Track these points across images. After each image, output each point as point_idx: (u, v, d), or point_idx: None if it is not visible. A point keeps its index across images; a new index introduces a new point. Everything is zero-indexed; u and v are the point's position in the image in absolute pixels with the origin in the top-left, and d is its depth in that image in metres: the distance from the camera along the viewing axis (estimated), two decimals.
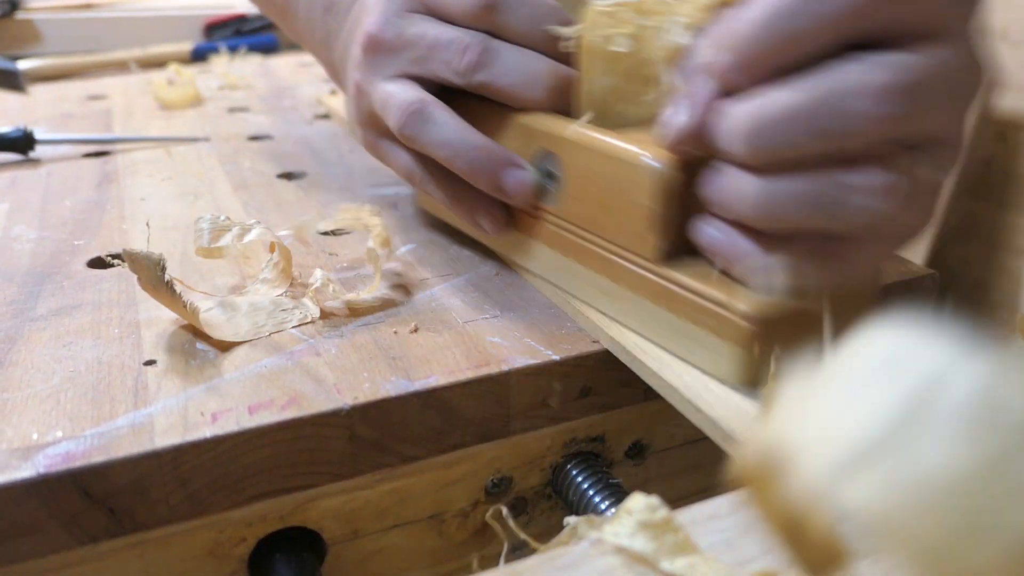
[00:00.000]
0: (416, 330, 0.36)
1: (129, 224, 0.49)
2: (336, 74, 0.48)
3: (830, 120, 0.25)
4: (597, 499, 0.34)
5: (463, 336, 0.36)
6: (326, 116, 0.77)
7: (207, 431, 0.29)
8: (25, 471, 0.27)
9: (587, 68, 0.34)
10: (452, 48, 0.37)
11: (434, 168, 0.39)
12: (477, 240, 0.44)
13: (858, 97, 0.25)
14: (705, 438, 0.29)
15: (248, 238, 0.39)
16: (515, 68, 0.36)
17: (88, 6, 1.16)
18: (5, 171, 0.60)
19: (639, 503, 0.24)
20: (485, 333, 0.36)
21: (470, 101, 0.38)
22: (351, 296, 0.39)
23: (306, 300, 0.38)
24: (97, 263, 0.44)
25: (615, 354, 0.34)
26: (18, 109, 0.81)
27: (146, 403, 0.31)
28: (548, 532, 0.30)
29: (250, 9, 1.20)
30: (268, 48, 1.14)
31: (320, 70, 1.01)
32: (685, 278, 0.31)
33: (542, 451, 0.36)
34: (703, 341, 0.31)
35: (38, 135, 0.63)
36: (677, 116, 0.29)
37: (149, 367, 0.33)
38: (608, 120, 0.35)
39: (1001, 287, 0.44)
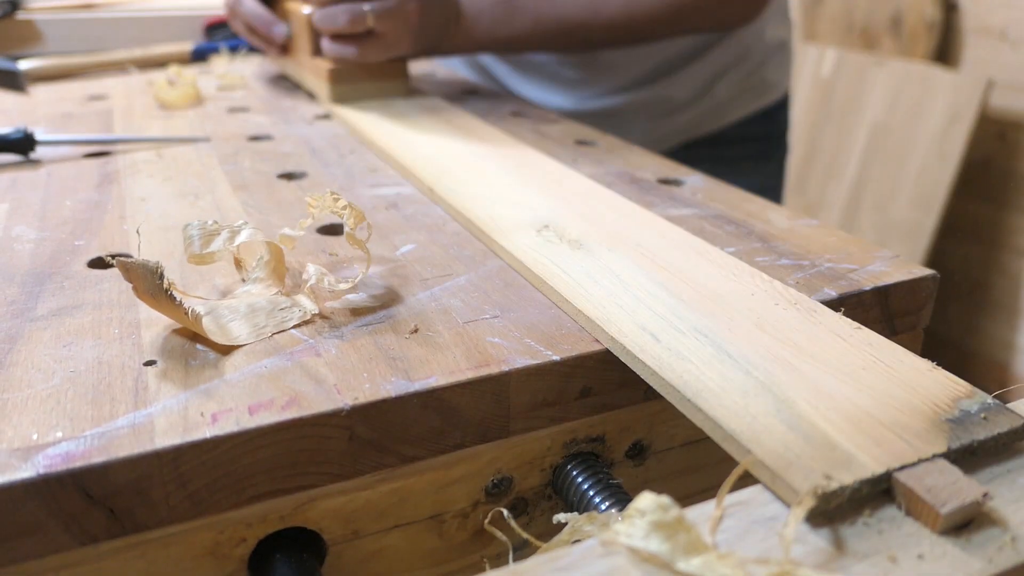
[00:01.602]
0: (416, 330, 0.36)
1: (130, 224, 0.49)
2: None
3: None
4: (597, 499, 0.34)
5: (463, 336, 0.36)
6: (326, 116, 0.77)
7: (207, 431, 0.29)
8: (25, 471, 0.27)
9: None
10: None
11: (248, 29, 0.86)
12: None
13: None
14: (706, 438, 0.29)
15: (239, 240, 0.39)
16: None
17: (89, 6, 1.16)
18: (5, 172, 0.60)
19: (650, 503, 0.24)
20: (485, 333, 0.36)
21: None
22: (345, 286, 0.39)
23: (301, 297, 0.38)
24: (97, 263, 0.44)
25: (615, 354, 0.34)
26: (19, 109, 0.81)
27: (146, 403, 0.31)
28: (549, 533, 0.30)
29: None
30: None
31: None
32: (319, 61, 0.77)
33: (542, 451, 0.36)
34: (322, 85, 0.77)
35: (38, 136, 0.63)
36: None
37: (149, 367, 0.33)
38: None
39: (1001, 287, 0.44)
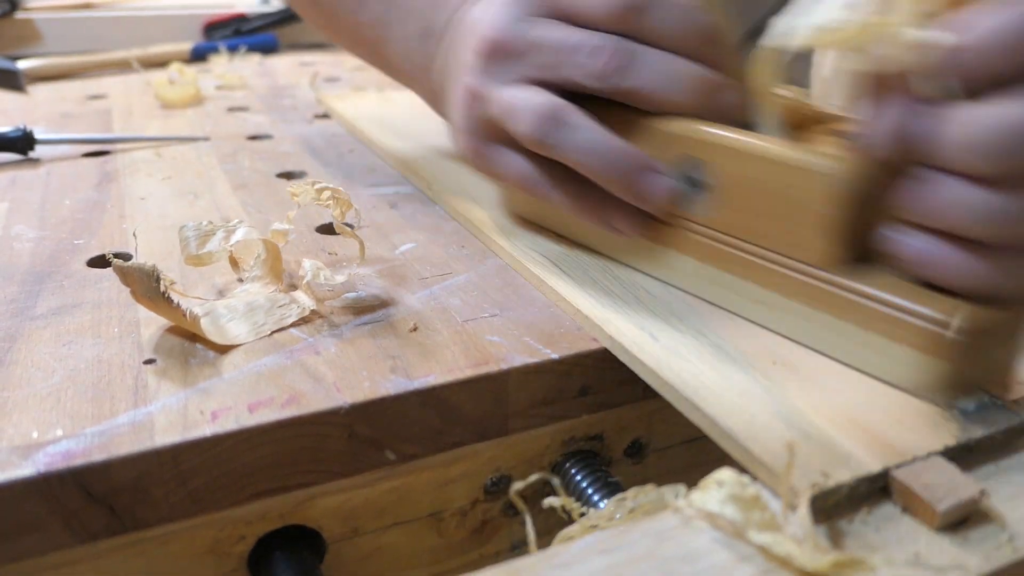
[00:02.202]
0: (415, 329, 0.36)
1: (129, 223, 0.49)
2: (436, 97, 0.47)
3: None
4: (596, 497, 0.34)
5: (462, 335, 0.36)
6: (325, 116, 0.77)
7: (207, 429, 0.29)
8: (25, 469, 0.27)
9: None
10: (588, 52, 0.35)
11: (560, 174, 0.38)
12: (594, 250, 0.42)
13: None
14: (704, 436, 0.29)
15: (234, 239, 0.39)
16: (660, 72, 0.35)
17: (88, 6, 1.16)
18: (5, 171, 0.60)
19: (729, 476, 0.25)
20: (484, 332, 0.36)
21: (600, 107, 0.37)
22: (342, 278, 0.39)
23: (299, 294, 0.38)
24: (97, 262, 0.44)
25: (614, 352, 0.34)
26: (18, 109, 0.81)
27: (146, 401, 0.31)
28: (547, 531, 0.30)
29: (250, 8, 1.20)
30: (268, 48, 1.14)
31: (321, 69, 1.01)
32: (868, 287, 0.30)
33: (541, 450, 0.36)
34: (888, 351, 0.30)
35: (38, 135, 0.63)
36: (881, 118, 0.28)
37: (149, 366, 0.33)
38: None
39: None
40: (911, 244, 0.29)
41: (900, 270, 0.30)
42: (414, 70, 0.49)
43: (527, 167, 0.39)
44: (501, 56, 0.37)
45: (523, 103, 0.36)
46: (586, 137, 0.35)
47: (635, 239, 0.39)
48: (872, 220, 0.30)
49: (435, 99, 0.48)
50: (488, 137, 0.40)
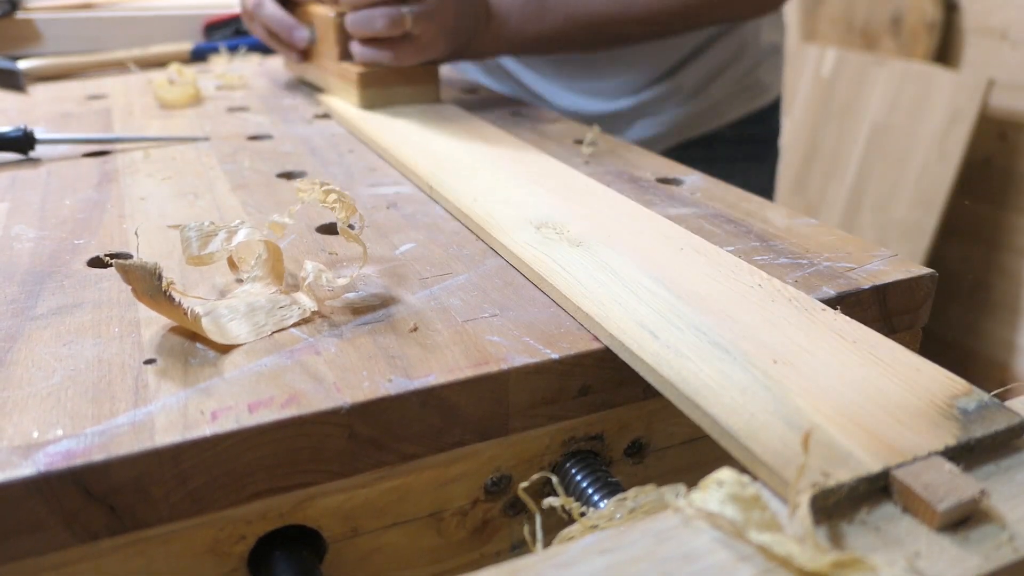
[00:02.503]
0: (415, 329, 0.36)
1: (129, 223, 0.49)
2: None
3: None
4: (596, 497, 0.34)
5: (462, 335, 0.36)
6: (326, 116, 0.77)
7: (207, 429, 0.29)
8: (26, 469, 0.27)
9: None
10: None
11: (268, 34, 0.84)
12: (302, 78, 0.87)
13: None
14: (705, 436, 0.29)
15: (236, 240, 0.39)
16: None
17: (88, 6, 1.16)
18: (5, 171, 0.60)
19: (729, 476, 0.24)
20: (484, 332, 0.36)
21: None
22: (343, 281, 0.39)
23: (300, 295, 0.38)
24: (97, 262, 0.44)
25: (614, 350, 0.34)
26: (18, 109, 0.81)
27: (146, 401, 0.31)
28: (547, 530, 0.30)
29: None
30: (268, 48, 1.14)
31: None
32: (348, 65, 0.75)
33: (541, 450, 0.36)
34: (350, 90, 0.75)
35: (38, 135, 0.63)
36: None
37: (149, 365, 0.33)
38: None
39: (1001, 287, 0.44)
40: (352, 45, 0.74)
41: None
42: None
43: (260, 30, 0.84)
44: None
45: None
46: (268, 11, 0.81)
47: (299, 63, 0.86)
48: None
49: None
50: (247, 14, 0.85)
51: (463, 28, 0.73)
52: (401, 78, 0.75)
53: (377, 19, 0.68)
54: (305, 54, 0.83)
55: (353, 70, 0.73)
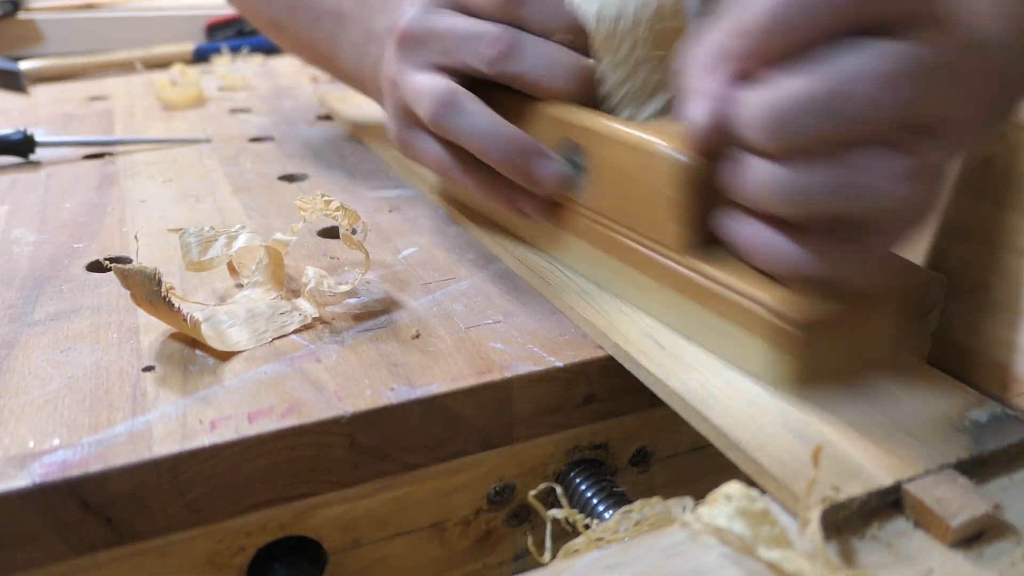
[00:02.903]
0: (418, 336, 0.36)
1: (129, 227, 0.49)
2: (381, 95, 0.48)
3: (845, 106, 0.26)
4: (601, 507, 0.34)
5: (465, 342, 0.35)
6: (328, 117, 0.77)
7: (206, 439, 0.29)
8: (21, 480, 0.27)
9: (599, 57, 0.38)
10: (481, 39, 0.38)
11: (467, 158, 0.39)
12: (508, 232, 0.45)
13: (869, 84, 0.26)
14: (710, 445, 0.29)
15: (236, 245, 0.39)
16: (542, 58, 0.38)
17: (90, 6, 1.16)
18: (5, 174, 0.60)
19: (737, 490, 0.24)
20: (487, 339, 0.36)
21: (497, 92, 0.39)
22: (345, 288, 0.38)
23: (301, 301, 0.38)
24: (96, 267, 0.43)
25: (619, 360, 0.34)
26: (19, 110, 0.81)
27: (144, 410, 0.30)
28: (551, 540, 0.29)
29: None
30: (270, 49, 1.14)
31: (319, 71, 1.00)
32: (718, 272, 0.31)
33: (545, 459, 0.36)
34: (744, 342, 0.31)
35: (39, 137, 0.63)
36: (697, 111, 0.29)
37: (148, 373, 0.33)
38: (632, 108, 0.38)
39: (1001, 287, 0.44)
40: (732, 226, 0.31)
41: (737, 256, 0.31)
42: (362, 73, 0.53)
43: (439, 151, 0.41)
44: (411, 44, 0.40)
45: (424, 87, 0.39)
46: (477, 121, 0.38)
47: (540, 223, 0.40)
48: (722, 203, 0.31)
49: (381, 97, 0.50)
50: (408, 122, 0.42)
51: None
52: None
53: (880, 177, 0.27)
54: (546, 208, 0.40)
55: (760, 295, 0.30)
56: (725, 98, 0.28)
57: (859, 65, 0.26)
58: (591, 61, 0.37)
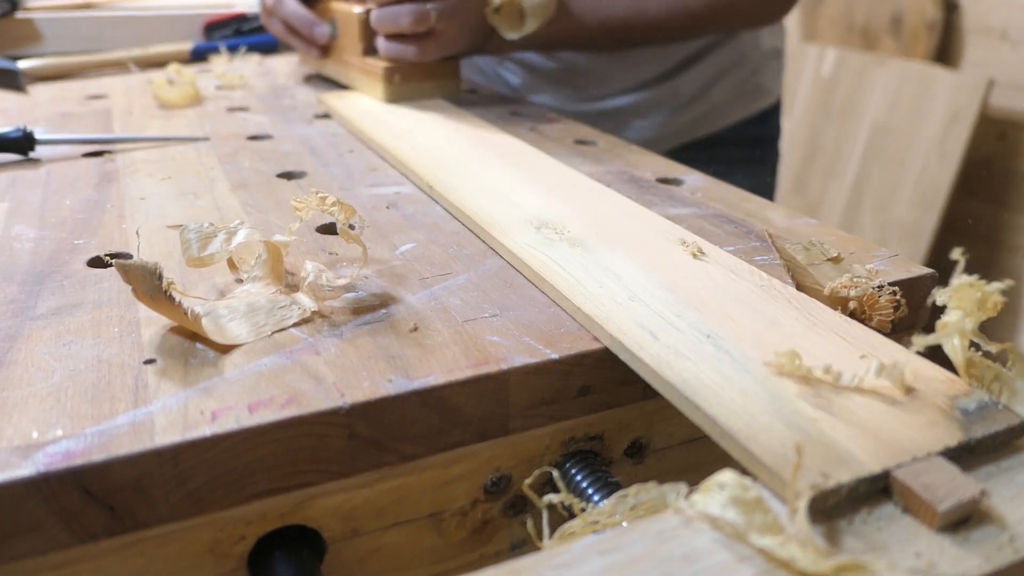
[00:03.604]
0: (415, 329, 0.36)
1: (129, 224, 0.49)
2: None
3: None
4: (596, 498, 0.34)
5: (462, 335, 0.36)
6: (326, 116, 0.77)
7: (207, 429, 0.29)
8: (25, 469, 0.27)
9: None
10: None
11: (290, 31, 0.85)
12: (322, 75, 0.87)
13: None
14: (705, 436, 0.29)
15: (236, 241, 0.39)
16: None
17: (88, 6, 1.16)
18: (5, 171, 0.60)
19: (731, 478, 0.24)
20: (484, 332, 0.36)
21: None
22: (344, 281, 0.39)
23: (300, 295, 0.38)
24: (97, 262, 0.44)
25: (614, 351, 0.34)
26: (18, 109, 0.81)
27: (146, 401, 0.31)
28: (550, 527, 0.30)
29: (250, 8, 1.20)
30: (268, 48, 1.14)
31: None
32: (372, 60, 0.78)
33: (541, 450, 0.36)
34: (373, 85, 0.77)
35: (38, 135, 0.63)
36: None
37: (149, 366, 0.33)
38: None
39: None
40: (377, 41, 0.76)
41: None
42: None
43: (279, 27, 0.86)
44: None
45: None
46: (288, 8, 0.83)
47: (319, 59, 0.87)
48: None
49: None
50: (266, 11, 0.87)
51: (484, 25, 0.76)
52: (424, 72, 0.77)
53: (403, 16, 0.71)
54: (325, 50, 0.85)
55: (378, 65, 0.76)
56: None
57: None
58: None
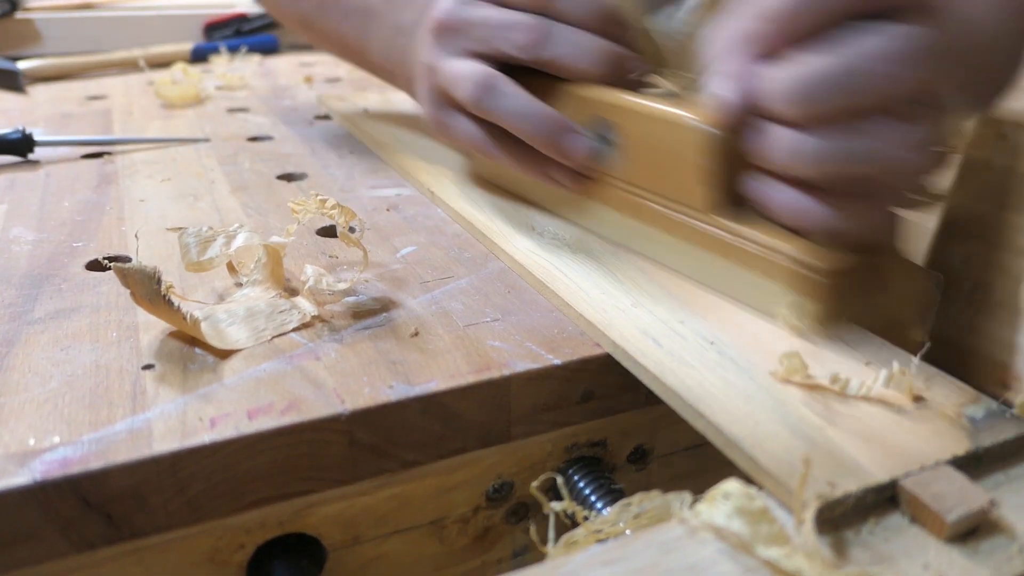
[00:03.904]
0: (416, 334, 0.36)
1: (128, 226, 0.49)
2: (411, 85, 0.53)
3: (861, 80, 0.30)
4: (599, 505, 0.34)
5: (464, 340, 0.36)
6: (326, 117, 0.77)
7: (206, 436, 0.29)
8: (22, 477, 0.27)
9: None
10: (515, 28, 0.42)
11: (502, 136, 0.44)
12: (540, 207, 0.49)
13: (883, 62, 0.29)
14: (707, 443, 0.29)
15: (235, 244, 0.39)
16: (572, 45, 0.42)
17: (88, 6, 1.16)
18: (4, 173, 0.60)
19: (736, 488, 0.24)
20: (486, 337, 0.36)
21: (528, 77, 0.43)
22: (344, 285, 0.38)
23: (300, 299, 0.38)
24: (96, 265, 0.44)
25: (617, 358, 0.34)
26: (18, 109, 0.81)
27: (144, 408, 0.31)
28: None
29: (250, 8, 1.20)
30: (268, 48, 1.14)
31: (322, 70, 1.00)
32: (744, 228, 0.35)
33: (543, 456, 0.36)
34: (765, 289, 0.35)
35: (37, 136, 0.63)
36: (723, 88, 0.33)
37: (147, 371, 0.33)
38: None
39: (1001, 287, 0.44)
40: (760, 188, 0.34)
41: (764, 215, 0.35)
42: (393, 65, 0.57)
43: (475, 130, 0.45)
44: (448, 33, 0.44)
45: (462, 72, 0.43)
46: (514, 102, 0.42)
47: (570, 193, 0.45)
48: (745, 170, 0.35)
49: (411, 87, 0.54)
50: (443, 105, 0.46)
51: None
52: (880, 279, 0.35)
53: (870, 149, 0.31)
54: (581, 177, 0.44)
55: (784, 248, 0.33)
56: (750, 75, 0.32)
57: (874, 45, 0.29)
58: (618, 47, 0.42)
